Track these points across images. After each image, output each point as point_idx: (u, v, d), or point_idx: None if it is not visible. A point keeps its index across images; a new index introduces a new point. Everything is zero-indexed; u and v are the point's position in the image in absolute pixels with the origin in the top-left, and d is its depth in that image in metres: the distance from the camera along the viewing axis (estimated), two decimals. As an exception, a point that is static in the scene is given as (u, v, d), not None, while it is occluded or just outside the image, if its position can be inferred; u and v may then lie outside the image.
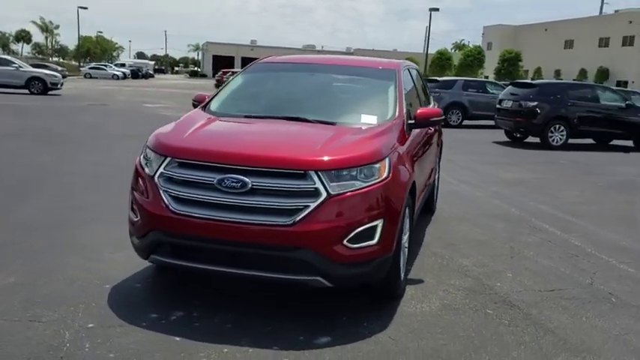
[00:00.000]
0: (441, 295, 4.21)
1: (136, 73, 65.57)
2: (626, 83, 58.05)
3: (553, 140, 14.67)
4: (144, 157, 3.92)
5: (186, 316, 3.67)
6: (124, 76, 59.42)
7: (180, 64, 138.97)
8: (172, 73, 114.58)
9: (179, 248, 3.63)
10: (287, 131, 4.14)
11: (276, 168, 3.47)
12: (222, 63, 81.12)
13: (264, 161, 3.50)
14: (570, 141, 14.80)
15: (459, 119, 19.75)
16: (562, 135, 14.65)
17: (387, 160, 3.70)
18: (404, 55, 79.32)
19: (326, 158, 3.53)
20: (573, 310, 4.07)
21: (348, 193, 3.46)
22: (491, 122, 17.43)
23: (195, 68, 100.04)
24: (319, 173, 3.44)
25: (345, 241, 3.44)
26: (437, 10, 49.52)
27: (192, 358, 3.14)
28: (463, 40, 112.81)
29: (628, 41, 60.91)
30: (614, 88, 17.75)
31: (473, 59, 53.40)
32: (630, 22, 59.63)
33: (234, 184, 3.44)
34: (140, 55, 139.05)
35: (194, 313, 3.70)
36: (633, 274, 4.91)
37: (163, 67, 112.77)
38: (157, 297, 3.98)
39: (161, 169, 3.67)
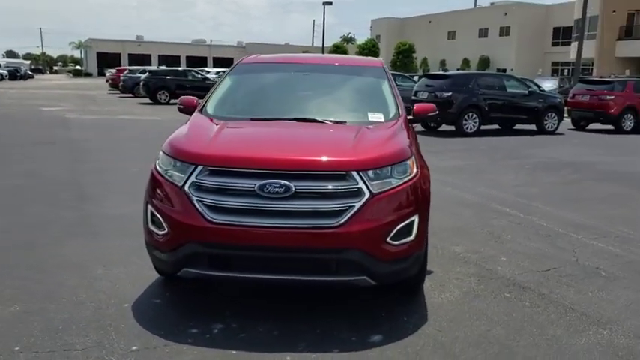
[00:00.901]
0: (456, 284, 4.38)
1: (14, 74, 60.88)
2: (505, 71, 62.24)
3: (467, 127, 15.50)
4: (162, 165, 3.73)
5: (226, 327, 3.55)
6: (2, 78, 54.97)
7: (59, 63, 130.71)
8: (51, 72, 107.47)
9: (217, 258, 3.51)
10: (312, 133, 4.11)
11: (319, 171, 3.45)
12: (108, 60, 77.39)
13: (306, 165, 3.47)
14: (481, 127, 15.75)
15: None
16: (475, 122, 15.53)
17: (413, 157, 3.80)
18: (297, 49, 79.90)
19: (365, 158, 3.55)
20: (576, 287, 4.39)
21: (388, 191, 3.51)
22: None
23: (78, 67, 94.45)
24: (360, 173, 3.46)
25: (388, 239, 3.49)
26: (330, 3, 50.27)
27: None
28: (350, 33, 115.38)
29: (505, 31, 65.27)
30: (518, 76, 19.04)
31: (368, 52, 54.85)
32: (505, 13, 63.86)
33: (277, 189, 3.37)
34: (10, 54, 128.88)
35: (233, 324, 3.60)
36: (606, 249, 5.37)
37: (41, 67, 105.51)
38: (184, 311, 3.81)
39: (192, 179, 3.51)
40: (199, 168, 3.51)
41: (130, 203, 6.16)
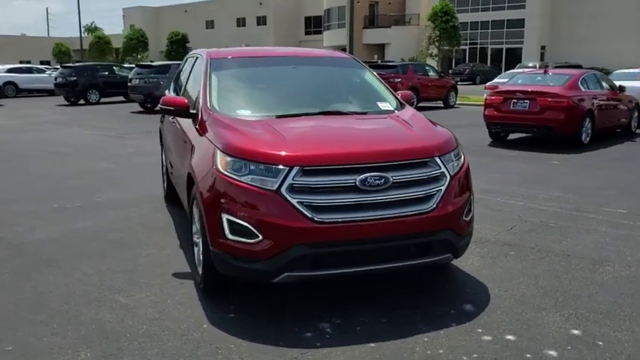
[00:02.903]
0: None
1: None
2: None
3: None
4: (234, 170, 3.49)
5: (335, 325, 3.52)
6: None
7: None
8: None
9: (323, 258, 3.46)
10: (367, 125, 4.21)
11: (410, 159, 3.61)
12: None
13: (399, 155, 3.60)
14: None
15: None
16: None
17: None
18: (38, 41, 72.02)
19: (439, 143, 3.82)
20: (545, 237, 5.22)
21: (458, 173, 3.82)
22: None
23: None
24: (441, 158, 3.72)
25: (464, 216, 3.83)
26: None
27: (414, 354, 3.17)
28: (94, 22, 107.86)
29: (261, 21, 67.75)
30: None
31: (137, 42, 52.13)
32: (260, 3, 66.20)
33: (377, 181, 3.46)
34: None
35: (336, 321, 3.57)
36: (527, 206, 6.39)
37: None
38: (273, 320, 3.62)
39: (289, 180, 3.38)
40: (295, 169, 3.40)
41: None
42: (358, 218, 3.41)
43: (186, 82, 5.40)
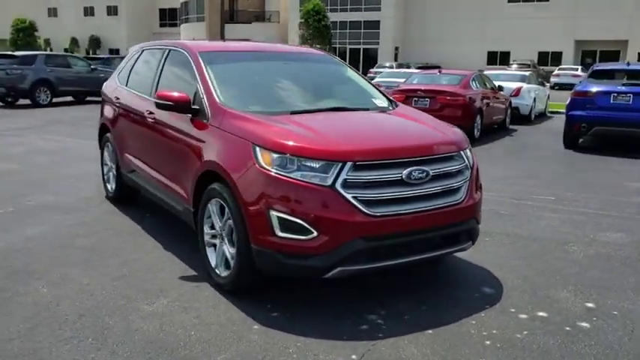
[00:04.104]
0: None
1: None
2: (118, 51, 61.47)
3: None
4: (281, 167, 3.46)
5: (379, 317, 3.61)
6: None
7: None
8: None
9: (375, 251, 3.55)
10: (391, 122, 4.31)
11: (445, 153, 3.83)
12: None
13: (437, 150, 3.80)
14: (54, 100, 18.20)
15: (48, 97, 18.19)
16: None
17: None
18: None
19: (461, 137, 4.08)
20: (504, 222, 5.75)
21: (474, 164, 4.12)
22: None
23: None
24: (465, 151, 3.99)
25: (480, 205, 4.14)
26: None
27: (473, 336, 3.40)
28: None
29: (112, 11, 64.15)
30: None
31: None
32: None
33: (420, 175, 3.63)
34: None
35: (381, 312, 3.68)
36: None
37: None
38: (318, 315, 3.62)
39: (343, 176, 3.43)
40: (348, 164, 3.45)
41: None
42: (405, 211, 3.55)
43: (158, 77, 5.10)
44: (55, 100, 18.43)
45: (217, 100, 4.16)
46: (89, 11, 65.33)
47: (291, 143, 3.53)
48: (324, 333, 3.38)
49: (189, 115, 4.29)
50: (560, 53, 45.71)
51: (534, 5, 46.07)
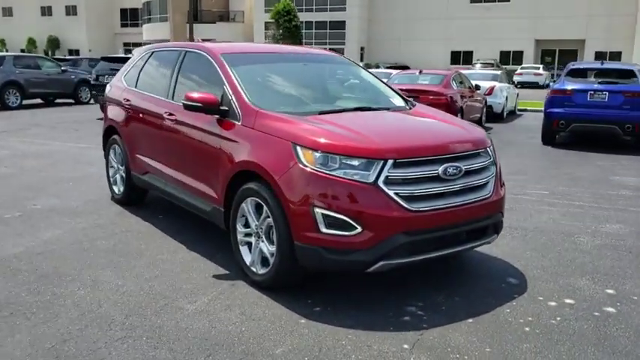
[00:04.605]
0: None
1: None
2: (77, 52, 60.24)
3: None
4: (322, 165, 3.57)
5: (417, 308, 3.77)
6: None
7: None
8: None
9: (415, 245, 3.68)
10: (419, 120, 4.45)
11: (474, 150, 4.00)
12: None
13: (467, 146, 3.96)
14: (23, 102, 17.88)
15: (17, 100, 17.77)
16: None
17: None
18: None
19: (485, 136, 4.25)
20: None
21: (497, 159, 4.30)
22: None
23: None
24: (490, 148, 4.17)
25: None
26: None
27: (512, 324, 3.58)
28: None
29: (71, 11, 62.77)
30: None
31: None
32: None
33: (454, 171, 3.79)
34: None
35: (418, 303, 3.83)
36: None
37: None
38: (360, 308, 3.75)
39: (385, 173, 3.56)
40: (390, 162, 3.58)
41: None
42: (442, 206, 3.70)
43: (175, 79, 5.13)
44: (24, 102, 18.05)
45: (247, 100, 4.23)
46: (47, 11, 63.76)
47: (332, 142, 3.64)
48: (369, 325, 3.51)
49: (216, 117, 4.35)
50: (522, 52, 46.91)
51: (496, 6, 47.15)
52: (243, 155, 4.03)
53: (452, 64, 46.17)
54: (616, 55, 42.43)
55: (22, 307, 3.69)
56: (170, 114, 4.93)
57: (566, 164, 9.39)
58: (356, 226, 3.51)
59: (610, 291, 4.09)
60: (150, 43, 55.36)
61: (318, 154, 3.61)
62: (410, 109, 4.81)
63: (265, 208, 3.85)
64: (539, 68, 37.30)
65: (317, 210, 3.55)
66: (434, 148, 3.78)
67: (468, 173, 3.88)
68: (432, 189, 3.68)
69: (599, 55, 42.00)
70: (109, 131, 6.29)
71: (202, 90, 4.54)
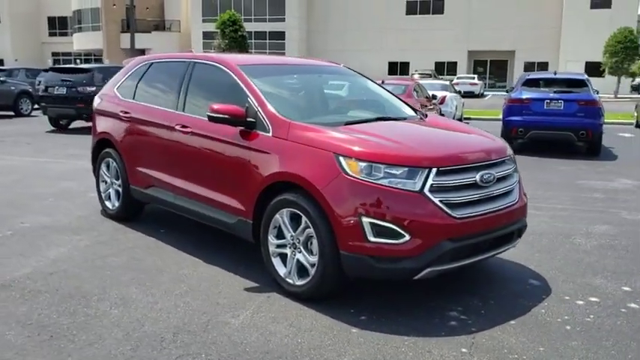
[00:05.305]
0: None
1: None
2: (2, 61, 57.47)
3: None
4: (366, 174, 3.63)
5: (458, 312, 3.88)
6: None
7: None
8: None
9: (459, 251, 3.78)
10: (443, 129, 4.56)
11: (502, 158, 4.16)
12: None
13: (498, 154, 4.12)
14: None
15: None
16: None
17: None
18: None
19: (506, 144, 4.43)
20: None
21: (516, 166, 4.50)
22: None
23: None
24: (512, 156, 4.36)
25: (525, 205, 4.51)
26: None
27: (551, 324, 3.74)
28: None
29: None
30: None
31: None
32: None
33: (489, 178, 3.94)
34: None
35: (457, 307, 3.94)
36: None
37: None
38: (405, 315, 3.82)
39: (430, 181, 3.66)
40: (434, 170, 3.69)
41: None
42: (480, 212, 3.84)
43: (185, 91, 5.04)
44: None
45: (276, 112, 4.23)
46: (-34, 19, 60.44)
47: (376, 151, 3.71)
48: (421, 331, 3.57)
49: (240, 128, 4.32)
50: (455, 63, 48.58)
51: (431, 18, 48.67)
52: (278, 166, 4.02)
53: (389, 74, 47.23)
54: (544, 66, 44.66)
55: (60, 329, 3.53)
56: (184, 126, 4.84)
57: (530, 170, 9.80)
58: (404, 234, 3.58)
59: (626, 288, 4.33)
60: (81, 54, 53.57)
61: (363, 164, 3.65)
62: (422, 118, 4.93)
63: (304, 218, 3.86)
64: (474, 78, 38.77)
65: (365, 219, 3.59)
66: (471, 156, 3.91)
67: (499, 180, 4.03)
68: (470, 196, 3.80)
69: (528, 66, 44.19)
70: (101, 144, 6.08)
71: (218, 101, 4.48)
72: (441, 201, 3.65)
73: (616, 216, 6.55)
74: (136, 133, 5.51)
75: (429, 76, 38.06)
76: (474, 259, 3.92)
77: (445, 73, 47.36)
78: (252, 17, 49.17)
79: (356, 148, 3.74)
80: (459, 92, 21.99)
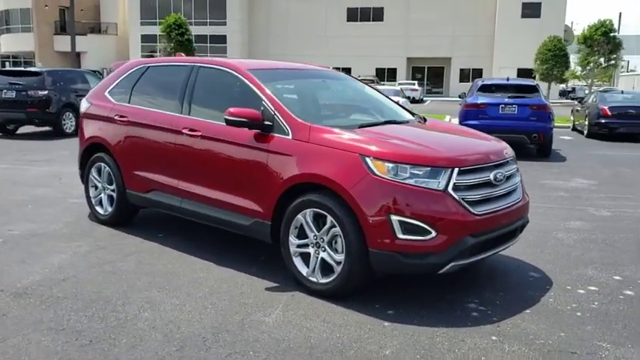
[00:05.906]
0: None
1: None
2: None
3: (66, 127, 14.70)
4: (393, 174, 3.81)
5: (477, 304, 4.11)
6: None
7: None
8: None
9: (478, 246, 4.00)
10: (449, 132, 4.79)
11: (508, 158, 4.44)
12: None
13: (504, 155, 4.39)
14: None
15: None
16: (72, 122, 14.81)
17: None
18: None
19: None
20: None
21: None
22: None
23: None
24: (514, 157, 4.65)
25: (524, 203, 4.81)
26: None
27: (564, 312, 4.04)
28: None
29: None
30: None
31: None
32: None
33: (501, 176, 4.20)
34: None
35: (474, 299, 4.17)
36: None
37: None
38: (429, 309, 4.00)
39: (453, 181, 3.88)
40: (456, 170, 3.91)
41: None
42: (495, 208, 4.09)
43: (190, 95, 5.06)
44: None
45: (294, 115, 4.34)
46: None
47: (402, 152, 3.90)
48: (448, 323, 3.77)
49: (256, 131, 4.40)
50: (395, 69, 49.73)
51: (371, 25, 49.62)
52: (302, 168, 4.13)
53: (331, 79, 47.68)
54: (478, 72, 46.42)
55: (96, 333, 3.51)
56: (192, 129, 4.86)
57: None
58: (431, 230, 3.77)
59: (617, 277, 4.70)
60: (10, 55, 51.09)
61: (390, 165, 3.83)
62: (423, 122, 5.16)
63: (330, 218, 3.99)
64: (414, 84, 39.84)
65: (394, 217, 3.76)
66: (485, 157, 4.16)
67: (508, 178, 4.30)
68: (486, 194, 4.05)
69: (464, 72, 45.76)
70: (91, 149, 5.98)
71: (225, 105, 4.51)
72: (462, 199, 3.87)
73: (585, 212, 7.01)
74: (134, 137, 5.46)
75: (372, 81, 38.81)
76: (487, 253, 4.16)
77: (386, 79, 48.39)
78: (193, 20, 48.50)
79: (382, 150, 3.90)
80: (408, 98, 22.60)
